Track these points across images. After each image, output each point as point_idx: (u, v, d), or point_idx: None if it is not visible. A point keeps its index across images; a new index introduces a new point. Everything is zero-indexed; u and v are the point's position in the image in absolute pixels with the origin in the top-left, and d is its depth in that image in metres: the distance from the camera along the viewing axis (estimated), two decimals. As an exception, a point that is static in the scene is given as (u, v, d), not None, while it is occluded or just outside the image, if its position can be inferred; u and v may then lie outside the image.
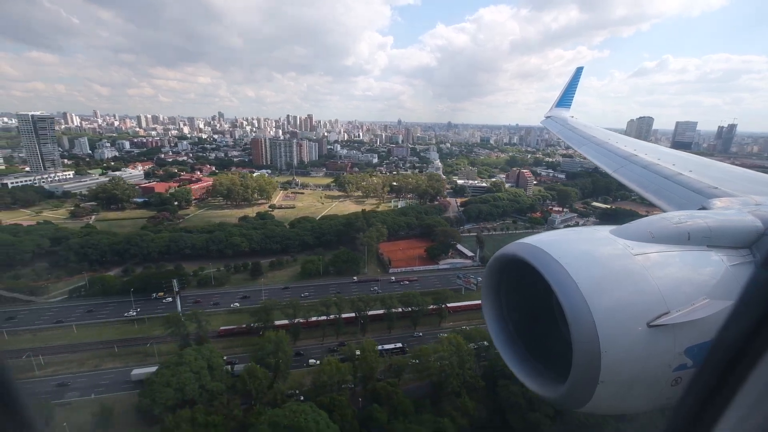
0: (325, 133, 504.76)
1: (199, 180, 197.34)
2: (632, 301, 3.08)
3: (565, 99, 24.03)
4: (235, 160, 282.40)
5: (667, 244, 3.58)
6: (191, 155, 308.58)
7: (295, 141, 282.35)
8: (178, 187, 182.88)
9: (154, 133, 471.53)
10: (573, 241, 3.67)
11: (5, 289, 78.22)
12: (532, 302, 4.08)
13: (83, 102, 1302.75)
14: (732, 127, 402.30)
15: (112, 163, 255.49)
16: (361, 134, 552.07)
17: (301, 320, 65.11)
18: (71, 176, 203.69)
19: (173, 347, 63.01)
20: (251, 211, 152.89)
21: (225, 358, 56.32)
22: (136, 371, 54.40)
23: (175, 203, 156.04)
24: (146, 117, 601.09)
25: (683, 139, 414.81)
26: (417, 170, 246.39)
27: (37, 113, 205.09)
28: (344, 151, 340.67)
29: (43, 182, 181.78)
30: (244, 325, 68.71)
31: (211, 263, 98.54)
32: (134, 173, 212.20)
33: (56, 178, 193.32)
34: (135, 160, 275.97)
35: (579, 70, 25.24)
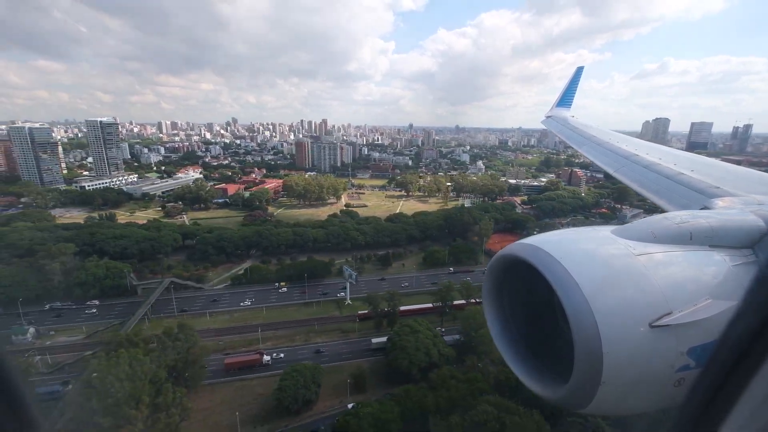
0: (345, 137, 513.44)
1: (263, 182, 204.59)
2: (634, 301, 3.11)
3: (566, 99, 24.02)
4: (279, 163, 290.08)
5: (669, 244, 3.58)
6: (229, 159, 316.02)
7: (338, 144, 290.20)
8: (245, 188, 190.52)
9: (177, 138, 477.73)
10: (574, 241, 3.71)
11: (177, 278, 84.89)
12: (534, 303, 4.10)
13: (85, 109, 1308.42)
14: (747, 127, 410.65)
15: (162, 167, 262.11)
16: (380, 138, 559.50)
17: (475, 300, 72.32)
18: (135, 179, 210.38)
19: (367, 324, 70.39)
20: (328, 210, 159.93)
21: (443, 329, 63.78)
22: (375, 340, 61.68)
23: (256, 203, 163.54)
24: (166, 123, 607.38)
25: (699, 140, 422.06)
26: (460, 171, 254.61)
27: (104, 119, 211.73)
28: (376, 154, 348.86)
29: (120, 185, 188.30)
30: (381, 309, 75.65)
31: (331, 255, 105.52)
32: (196, 176, 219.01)
33: (124, 181, 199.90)
34: (179, 164, 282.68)
35: (579, 70, 25.22)
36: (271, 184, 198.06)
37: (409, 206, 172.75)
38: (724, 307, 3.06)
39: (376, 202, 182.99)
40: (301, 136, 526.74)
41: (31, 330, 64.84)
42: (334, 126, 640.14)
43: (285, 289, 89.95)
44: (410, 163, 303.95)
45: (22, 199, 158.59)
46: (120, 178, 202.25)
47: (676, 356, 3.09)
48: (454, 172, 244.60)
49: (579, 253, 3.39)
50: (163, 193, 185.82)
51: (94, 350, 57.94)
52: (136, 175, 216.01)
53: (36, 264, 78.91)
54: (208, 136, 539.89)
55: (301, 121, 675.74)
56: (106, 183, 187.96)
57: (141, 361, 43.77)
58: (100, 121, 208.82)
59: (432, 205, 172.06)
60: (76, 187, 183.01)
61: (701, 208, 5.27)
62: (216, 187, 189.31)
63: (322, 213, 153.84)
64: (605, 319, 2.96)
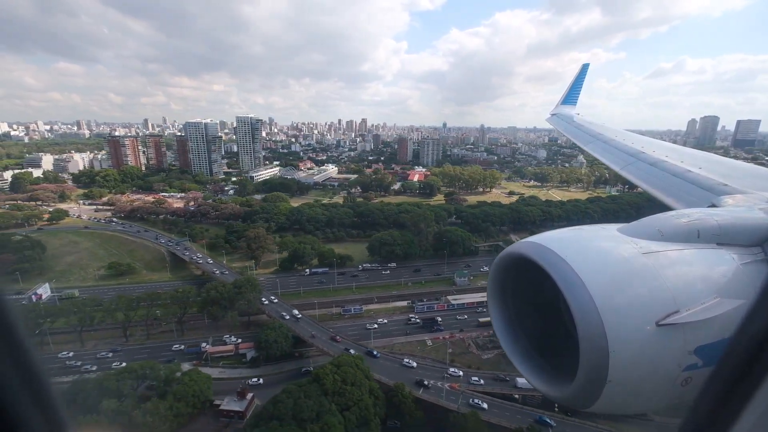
0: (399, 136, 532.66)
1: (406, 173, 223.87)
2: (641, 299, 3.09)
3: (571, 96, 23.91)
4: (379, 158, 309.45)
5: (676, 242, 3.55)
6: (324, 155, 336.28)
7: (440, 141, 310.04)
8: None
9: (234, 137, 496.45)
10: (580, 239, 3.68)
11: (502, 242, 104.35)
12: (539, 301, 4.07)
13: (97, 111, 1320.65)
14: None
15: (275, 162, 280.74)
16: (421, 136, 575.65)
17: None
18: (279, 171, 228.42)
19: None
20: (493, 196, 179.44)
21: None
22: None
23: (428, 190, 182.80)
24: (219, 124, 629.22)
25: (746, 138, 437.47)
26: (557, 164, 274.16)
27: (252, 115, 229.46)
28: (455, 150, 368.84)
29: (281, 175, 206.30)
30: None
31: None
32: (333, 168, 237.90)
33: (276, 173, 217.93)
34: (283, 159, 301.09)
35: (585, 67, 25.24)
36: (415, 175, 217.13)
37: (559, 194, 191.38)
38: (733, 306, 3.06)
39: (525, 191, 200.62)
40: (353, 134, 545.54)
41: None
42: (373, 125, 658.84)
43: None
44: (495, 158, 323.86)
45: (227, 188, 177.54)
46: (271, 170, 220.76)
47: (683, 355, 3.09)
48: (559, 166, 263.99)
49: (585, 252, 3.40)
50: (322, 181, 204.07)
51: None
52: (280, 169, 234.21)
53: (415, 229, 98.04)
54: (264, 134, 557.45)
55: (339, 120, 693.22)
56: (265, 174, 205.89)
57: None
58: (251, 118, 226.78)
59: (576, 194, 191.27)
60: (246, 177, 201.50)
61: (709, 206, 5.35)
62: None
63: (490, 198, 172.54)
64: (611, 318, 2.96)
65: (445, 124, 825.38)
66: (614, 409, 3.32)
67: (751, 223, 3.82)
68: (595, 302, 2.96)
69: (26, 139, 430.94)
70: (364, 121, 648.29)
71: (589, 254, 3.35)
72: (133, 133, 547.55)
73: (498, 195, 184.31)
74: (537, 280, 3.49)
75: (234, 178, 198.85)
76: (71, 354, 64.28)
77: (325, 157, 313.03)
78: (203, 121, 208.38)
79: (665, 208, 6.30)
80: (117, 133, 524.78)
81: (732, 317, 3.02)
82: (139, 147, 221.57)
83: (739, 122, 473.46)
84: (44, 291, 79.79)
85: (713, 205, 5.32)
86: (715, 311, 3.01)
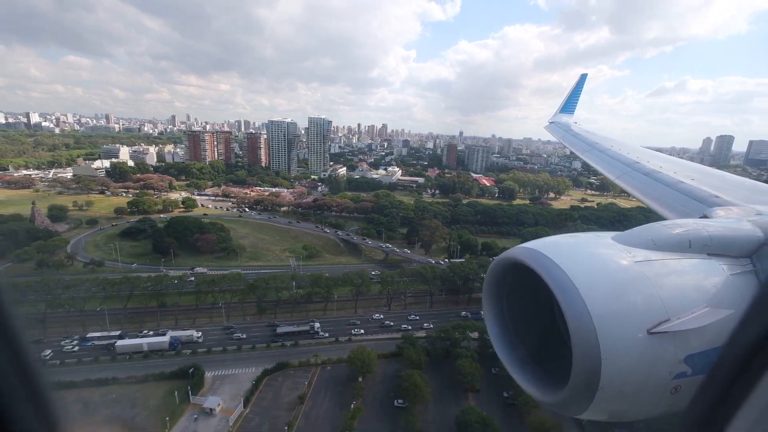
0: (423, 143, 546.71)
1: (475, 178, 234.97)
2: (633, 307, 3.14)
3: (569, 105, 24.21)
4: (425, 162, 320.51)
5: (668, 251, 3.62)
6: (372, 158, 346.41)
7: (489, 148, 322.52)
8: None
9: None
10: (575, 246, 3.73)
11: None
12: (533, 307, 4.16)
13: (98, 105, 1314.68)
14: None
15: (331, 164, 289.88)
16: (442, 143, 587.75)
17: None
18: (344, 170, 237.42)
19: None
20: (568, 202, 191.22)
21: None
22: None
23: (506, 194, 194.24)
24: (242, 122, 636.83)
25: (757, 157, 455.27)
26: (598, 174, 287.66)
27: (323, 116, 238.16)
28: (492, 158, 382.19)
29: (367, 175, 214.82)
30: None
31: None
32: (398, 170, 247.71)
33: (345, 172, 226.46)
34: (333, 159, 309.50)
35: (583, 77, 25.77)
36: (483, 180, 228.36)
37: (623, 203, 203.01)
38: (722, 316, 3.10)
39: (594, 198, 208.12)
40: (379, 139, 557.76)
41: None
42: (393, 130, 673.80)
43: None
44: (536, 167, 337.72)
45: (318, 185, 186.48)
46: (340, 170, 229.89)
47: (674, 363, 3.13)
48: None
49: (579, 259, 3.45)
50: (395, 181, 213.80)
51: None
52: (347, 169, 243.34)
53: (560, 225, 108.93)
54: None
55: (358, 125, 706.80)
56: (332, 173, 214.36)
57: None
58: (323, 119, 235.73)
59: (637, 202, 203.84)
60: (322, 175, 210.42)
61: (701, 217, 5.48)
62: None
63: (560, 205, 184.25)
64: (604, 325, 3.00)
65: (461, 133, 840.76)
66: (605, 416, 3.42)
67: (740, 235, 3.92)
68: (589, 309, 3.03)
69: (57, 131, 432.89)
70: (384, 126, 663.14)
71: (585, 261, 3.43)
72: (160, 129, 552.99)
73: (570, 201, 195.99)
74: (532, 287, 3.54)
75: (313, 176, 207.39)
76: (382, 316, 75.19)
77: (372, 160, 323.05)
78: (285, 120, 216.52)
79: (659, 217, 6.55)
80: (146, 129, 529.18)
81: (721, 327, 3.09)
82: (214, 143, 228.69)
83: (751, 142, 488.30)
84: (295, 265, 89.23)
85: (705, 216, 5.47)
86: (704, 320, 3.08)
